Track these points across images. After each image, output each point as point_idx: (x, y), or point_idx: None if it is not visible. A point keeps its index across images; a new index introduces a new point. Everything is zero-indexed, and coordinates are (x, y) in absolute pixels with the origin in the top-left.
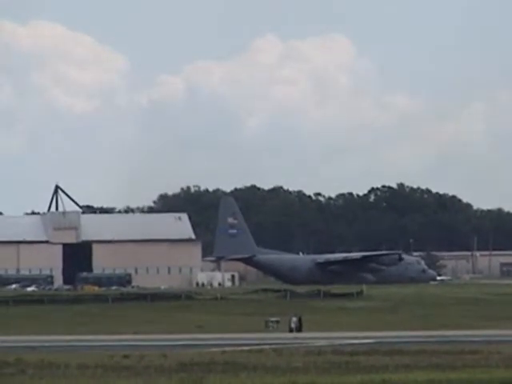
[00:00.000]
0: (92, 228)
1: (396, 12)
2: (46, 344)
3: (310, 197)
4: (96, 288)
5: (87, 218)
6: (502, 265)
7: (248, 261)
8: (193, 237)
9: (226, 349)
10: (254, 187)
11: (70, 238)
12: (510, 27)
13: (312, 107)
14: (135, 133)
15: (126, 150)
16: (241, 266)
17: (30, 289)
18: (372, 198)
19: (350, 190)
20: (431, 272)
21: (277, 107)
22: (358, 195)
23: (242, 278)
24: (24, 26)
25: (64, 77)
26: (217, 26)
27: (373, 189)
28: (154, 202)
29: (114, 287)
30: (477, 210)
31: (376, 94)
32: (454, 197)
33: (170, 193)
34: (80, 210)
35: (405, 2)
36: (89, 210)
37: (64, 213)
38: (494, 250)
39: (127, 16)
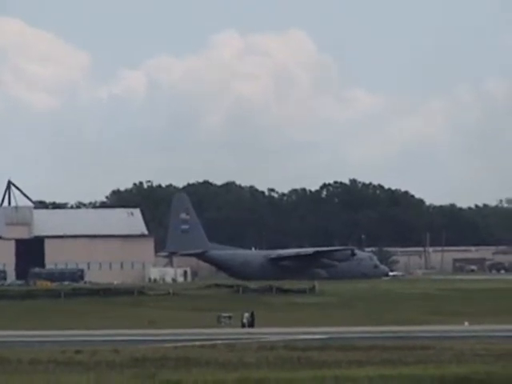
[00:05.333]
0: (44, 223)
1: (356, 7)
2: None
3: (262, 192)
4: (48, 283)
5: (40, 214)
6: (455, 260)
7: (200, 256)
8: (145, 232)
9: (179, 344)
10: (206, 183)
11: (23, 234)
12: (469, 24)
13: (270, 103)
14: (91, 128)
15: (79, 145)
16: (193, 261)
17: None
18: (324, 193)
19: (302, 186)
20: (383, 268)
21: (235, 103)
22: (310, 191)
23: (194, 274)
24: None
25: (24, 72)
26: (177, 21)
27: (325, 185)
28: (107, 198)
29: (66, 282)
30: (429, 206)
31: (331, 90)
32: (406, 192)
33: (122, 188)
34: (32, 206)
35: None
36: (41, 205)
37: (16, 208)
38: (447, 245)
39: (87, 11)
